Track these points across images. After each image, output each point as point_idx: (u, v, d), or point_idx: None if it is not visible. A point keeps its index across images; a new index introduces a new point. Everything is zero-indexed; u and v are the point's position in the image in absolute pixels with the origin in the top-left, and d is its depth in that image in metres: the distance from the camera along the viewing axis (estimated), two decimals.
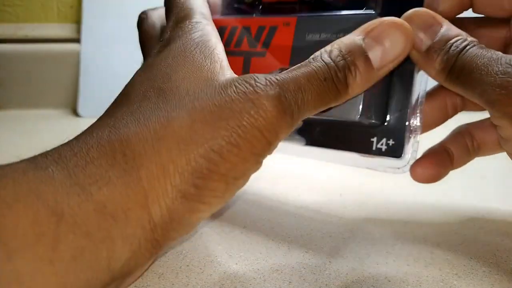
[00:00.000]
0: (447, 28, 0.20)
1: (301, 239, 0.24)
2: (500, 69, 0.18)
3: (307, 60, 0.19)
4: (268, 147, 0.18)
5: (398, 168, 0.21)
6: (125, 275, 0.17)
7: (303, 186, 0.32)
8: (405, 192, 0.31)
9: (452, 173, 0.31)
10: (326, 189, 0.32)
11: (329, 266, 0.21)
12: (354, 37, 0.20)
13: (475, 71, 0.19)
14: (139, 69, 0.21)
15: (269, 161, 0.39)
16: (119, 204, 0.16)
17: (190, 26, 0.21)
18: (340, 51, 0.19)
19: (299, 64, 0.19)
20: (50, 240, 0.14)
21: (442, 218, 0.27)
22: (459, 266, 0.21)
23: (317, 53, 0.19)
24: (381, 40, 0.19)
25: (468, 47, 0.19)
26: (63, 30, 0.62)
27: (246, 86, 0.17)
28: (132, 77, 0.20)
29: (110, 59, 0.58)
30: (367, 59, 0.19)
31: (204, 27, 0.21)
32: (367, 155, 0.21)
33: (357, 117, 0.21)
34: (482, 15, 0.24)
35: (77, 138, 0.17)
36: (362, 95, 0.21)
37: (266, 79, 0.18)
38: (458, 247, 0.23)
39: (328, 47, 0.20)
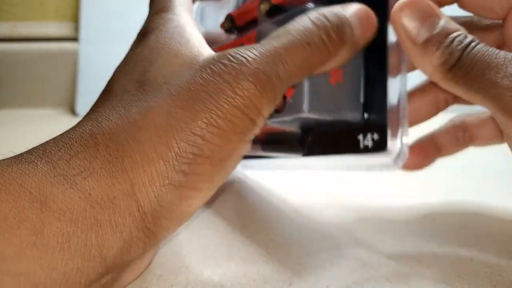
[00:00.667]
0: (447, 21, 0.19)
1: (301, 241, 0.24)
2: None
3: (285, 28, 0.19)
4: (251, 125, 0.17)
5: (392, 164, 0.20)
6: (121, 267, 0.17)
7: (303, 188, 0.32)
8: (406, 194, 0.31)
9: (454, 172, 0.31)
10: (327, 190, 0.32)
11: (330, 267, 0.21)
12: (330, 8, 0.19)
13: (487, 72, 0.18)
14: (119, 64, 0.21)
15: None
16: (104, 193, 0.16)
17: (166, 18, 0.21)
18: (324, 15, 0.19)
19: (277, 33, 0.19)
20: (34, 224, 0.14)
21: (444, 219, 0.27)
22: (461, 267, 0.21)
23: (296, 21, 0.19)
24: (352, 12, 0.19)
25: (473, 43, 0.19)
26: (61, 28, 0.62)
27: (220, 67, 0.17)
28: (113, 73, 0.20)
29: (109, 58, 0.58)
30: (349, 22, 0.19)
31: (179, 18, 0.21)
32: (357, 154, 0.21)
33: (305, 113, 0.20)
34: (470, 16, 0.23)
35: (61, 134, 0.17)
36: (307, 90, 0.20)
37: (241, 56, 0.17)
38: (460, 248, 0.23)
39: (307, 14, 0.19)
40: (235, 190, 0.31)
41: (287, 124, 0.24)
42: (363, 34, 0.20)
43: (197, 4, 0.30)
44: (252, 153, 0.26)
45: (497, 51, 0.18)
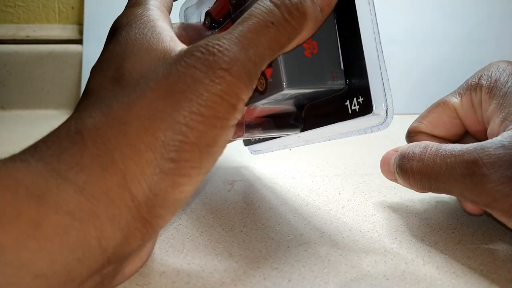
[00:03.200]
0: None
1: (300, 238, 0.24)
2: None
3: (249, 12, 0.19)
4: (232, 109, 0.18)
5: (381, 124, 0.20)
6: (122, 258, 0.17)
7: (302, 186, 0.32)
8: (403, 192, 0.31)
9: None
10: (325, 188, 0.32)
11: (328, 264, 0.21)
12: None
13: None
14: (95, 63, 0.21)
15: (268, 161, 0.39)
16: (98, 186, 0.16)
17: (136, 14, 0.21)
18: None
19: (242, 18, 0.19)
20: (31, 217, 0.14)
21: (440, 217, 0.27)
22: (456, 265, 0.21)
23: (258, 3, 0.19)
24: None
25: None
26: (65, 31, 0.62)
27: (194, 59, 0.18)
28: (90, 73, 0.21)
29: None
30: None
31: (150, 13, 0.21)
32: (347, 120, 0.21)
33: (285, 89, 0.21)
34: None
35: (48, 134, 0.18)
36: (282, 67, 0.20)
37: (212, 47, 0.18)
38: (456, 246, 0.23)
39: None
40: (235, 189, 0.31)
41: (282, 103, 0.24)
42: (325, 4, 0.20)
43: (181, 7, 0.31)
44: (256, 136, 0.26)
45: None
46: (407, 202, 0.29)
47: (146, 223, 0.17)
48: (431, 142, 0.24)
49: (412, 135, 0.29)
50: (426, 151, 0.24)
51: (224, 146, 0.18)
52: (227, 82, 0.17)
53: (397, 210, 0.28)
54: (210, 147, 0.18)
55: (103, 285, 0.17)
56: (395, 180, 0.27)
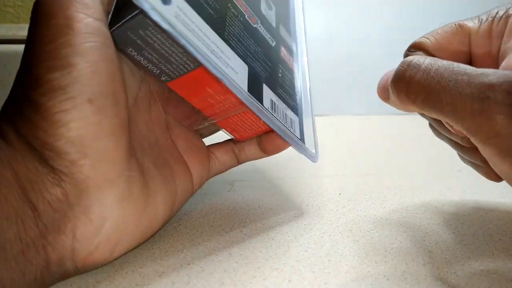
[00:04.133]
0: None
1: (300, 238, 0.24)
2: None
3: None
4: (67, 29, 0.18)
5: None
6: (51, 210, 0.17)
7: (302, 186, 0.32)
8: (403, 192, 0.31)
9: (451, 172, 0.32)
10: (325, 188, 0.32)
11: (328, 264, 0.21)
12: None
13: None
14: None
15: (268, 161, 0.39)
16: (9, 133, 0.18)
17: None
18: None
19: None
20: None
21: (440, 217, 0.27)
22: (457, 265, 0.21)
23: None
24: None
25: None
26: None
27: None
28: None
29: None
30: None
31: None
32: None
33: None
34: None
35: None
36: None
37: None
38: (457, 246, 0.23)
39: None
40: (235, 189, 0.31)
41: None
42: None
43: None
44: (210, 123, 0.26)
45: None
46: (407, 202, 0.29)
47: (55, 169, 0.17)
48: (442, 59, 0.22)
49: (412, 50, 0.25)
50: (436, 63, 0.21)
51: (85, 61, 0.18)
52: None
53: (397, 210, 0.28)
54: (66, 68, 0.18)
55: (48, 242, 0.17)
56: (387, 99, 0.24)
